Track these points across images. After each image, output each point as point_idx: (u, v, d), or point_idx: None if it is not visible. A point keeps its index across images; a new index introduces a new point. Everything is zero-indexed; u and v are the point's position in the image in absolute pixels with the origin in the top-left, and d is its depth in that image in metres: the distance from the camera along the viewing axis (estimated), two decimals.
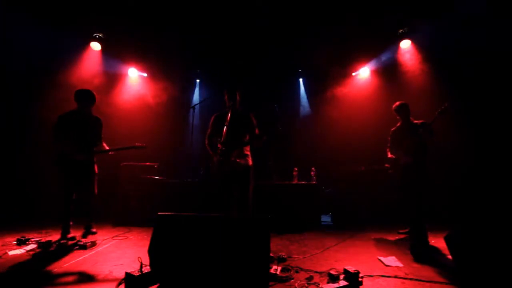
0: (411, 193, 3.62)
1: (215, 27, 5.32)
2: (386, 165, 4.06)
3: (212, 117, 3.47)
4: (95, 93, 3.84)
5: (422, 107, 4.30)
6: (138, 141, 3.77)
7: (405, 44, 5.36)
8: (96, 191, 3.78)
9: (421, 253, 3.01)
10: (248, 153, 3.34)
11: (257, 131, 3.33)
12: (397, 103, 3.90)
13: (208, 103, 5.60)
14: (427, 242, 3.34)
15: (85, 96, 3.73)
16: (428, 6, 4.64)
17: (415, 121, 3.79)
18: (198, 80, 6.74)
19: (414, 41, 5.31)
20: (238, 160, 3.16)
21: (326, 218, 4.74)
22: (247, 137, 3.29)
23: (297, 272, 2.47)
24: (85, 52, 5.46)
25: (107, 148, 3.83)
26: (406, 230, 3.83)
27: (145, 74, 6.26)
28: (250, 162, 3.30)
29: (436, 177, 4.59)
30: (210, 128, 3.43)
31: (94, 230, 3.78)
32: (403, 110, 3.84)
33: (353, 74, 6.17)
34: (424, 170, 3.59)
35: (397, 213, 4.17)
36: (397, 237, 3.72)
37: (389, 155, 3.96)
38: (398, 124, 3.96)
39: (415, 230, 3.38)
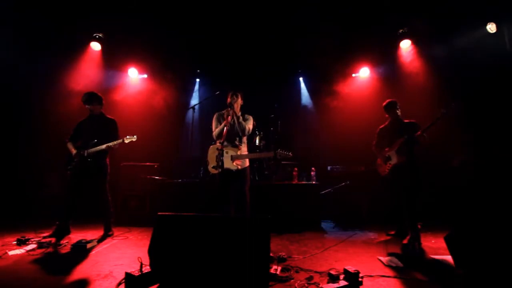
0: (404, 193, 3.55)
1: (215, 26, 5.32)
2: (362, 168, 4.11)
3: (215, 114, 3.50)
4: (99, 94, 3.85)
5: (422, 107, 4.30)
6: (136, 142, 3.72)
7: (405, 44, 5.35)
8: (107, 192, 3.76)
9: (414, 252, 3.03)
10: (245, 153, 3.38)
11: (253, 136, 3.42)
12: (386, 101, 3.82)
13: (207, 103, 5.62)
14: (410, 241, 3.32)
15: (88, 98, 3.75)
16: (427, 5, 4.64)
17: (406, 120, 3.73)
18: (198, 80, 6.74)
19: (414, 41, 5.30)
20: (235, 161, 3.22)
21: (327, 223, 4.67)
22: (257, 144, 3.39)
23: (297, 272, 2.47)
24: (85, 52, 5.46)
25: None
26: (393, 232, 3.81)
27: (145, 75, 6.26)
28: (247, 163, 3.38)
29: (436, 177, 4.59)
30: (212, 127, 3.47)
31: (110, 232, 3.74)
32: (392, 108, 3.74)
33: (353, 74, 6.17)
34: (416, 170, 3.53)
35: (396, 213, 4.15)
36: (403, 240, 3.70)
37: (378, 153, 3.88)
38: (387, 123, 3.88)
39: (412, 230, 3.36)
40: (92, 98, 3.77)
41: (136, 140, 3.67)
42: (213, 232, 2.10)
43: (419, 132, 3.42)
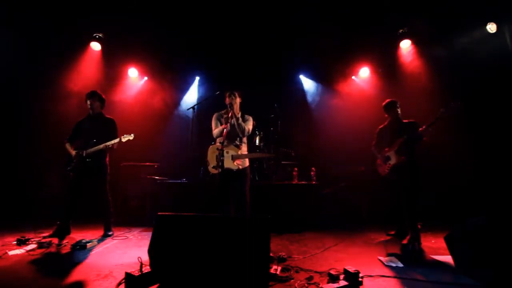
0: (404, 193, 3.55)
1: (215, 26, 5.32)
2: (362, 168, 4.10)
3: (215, 114, 3.51)
4: (101, 93, 3.86)
5: (422, 107, 4.30)
6: (136, 142, 3.73)
7: (405, 44, 5.35)
8: (107, 192, 3.76)
9: (415, 252, 3.03)
10: (246, 153, 3.39)
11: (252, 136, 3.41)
12: (386, 100, 3.82)
13: (207, 103, 5.62)
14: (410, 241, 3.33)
15: (91, 94, 3.77)
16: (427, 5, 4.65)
17: (405, 120, 3.72)
18: (197, 80, 6.74)
19: (414, 41, 5.30)
20: (236, 160, 3.22)
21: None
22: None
23: (297, 272, 2.47)
24: (85, 52, 5.46)
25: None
26: (393, 232, 3.81)
27: (146, 78, 6.26)
28: (247, 163, 3.38)
29: (436, 177, 4.60)
30: (212, 126, 3.47)
31: (110, 232, 3.75)
32: (392, 108, 3.74)
33: (353, 77, 6.17)
34: (416, 170, 3.53)
35: (396, 213, 4.15)
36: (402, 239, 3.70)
37: (377, 153, 3.88)
38: (386, 123, 3.88)
39: (412, 230, 3.37)
40: (95, 94, 3.79)
41: (136, 140, 3.67)
42: (213, 232, 2.10)
43: (423, 127, 3.37)
